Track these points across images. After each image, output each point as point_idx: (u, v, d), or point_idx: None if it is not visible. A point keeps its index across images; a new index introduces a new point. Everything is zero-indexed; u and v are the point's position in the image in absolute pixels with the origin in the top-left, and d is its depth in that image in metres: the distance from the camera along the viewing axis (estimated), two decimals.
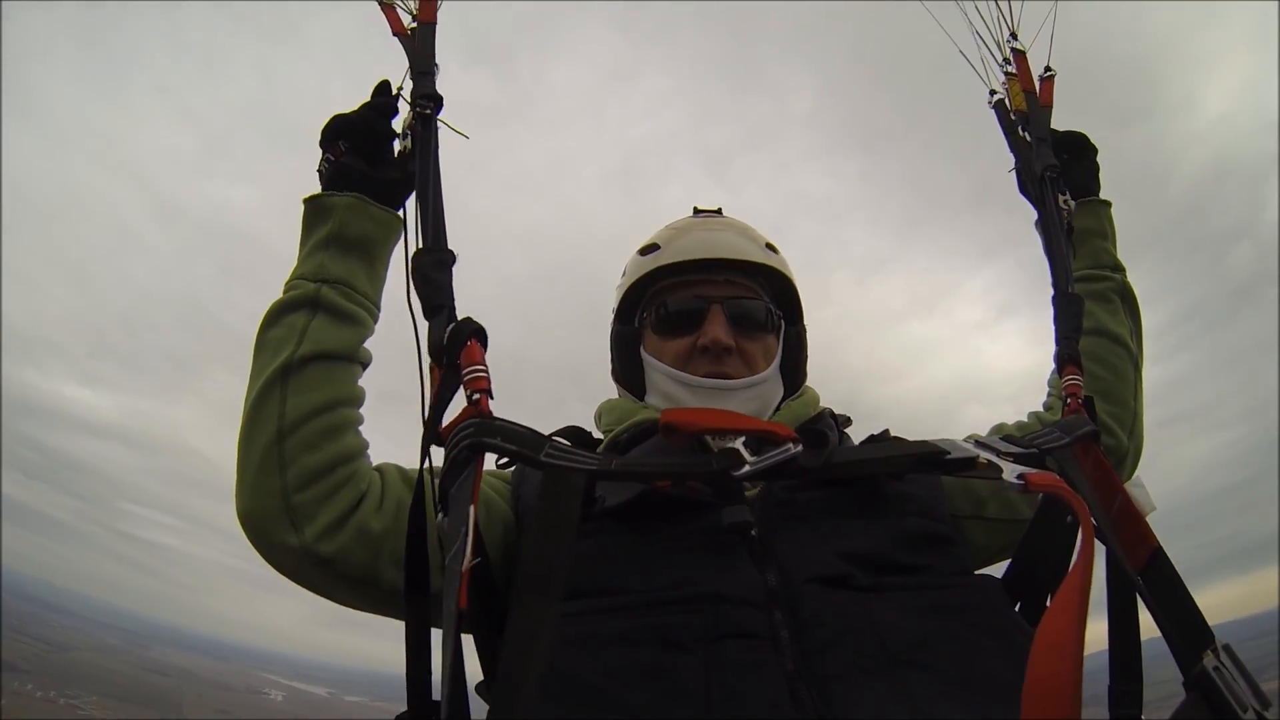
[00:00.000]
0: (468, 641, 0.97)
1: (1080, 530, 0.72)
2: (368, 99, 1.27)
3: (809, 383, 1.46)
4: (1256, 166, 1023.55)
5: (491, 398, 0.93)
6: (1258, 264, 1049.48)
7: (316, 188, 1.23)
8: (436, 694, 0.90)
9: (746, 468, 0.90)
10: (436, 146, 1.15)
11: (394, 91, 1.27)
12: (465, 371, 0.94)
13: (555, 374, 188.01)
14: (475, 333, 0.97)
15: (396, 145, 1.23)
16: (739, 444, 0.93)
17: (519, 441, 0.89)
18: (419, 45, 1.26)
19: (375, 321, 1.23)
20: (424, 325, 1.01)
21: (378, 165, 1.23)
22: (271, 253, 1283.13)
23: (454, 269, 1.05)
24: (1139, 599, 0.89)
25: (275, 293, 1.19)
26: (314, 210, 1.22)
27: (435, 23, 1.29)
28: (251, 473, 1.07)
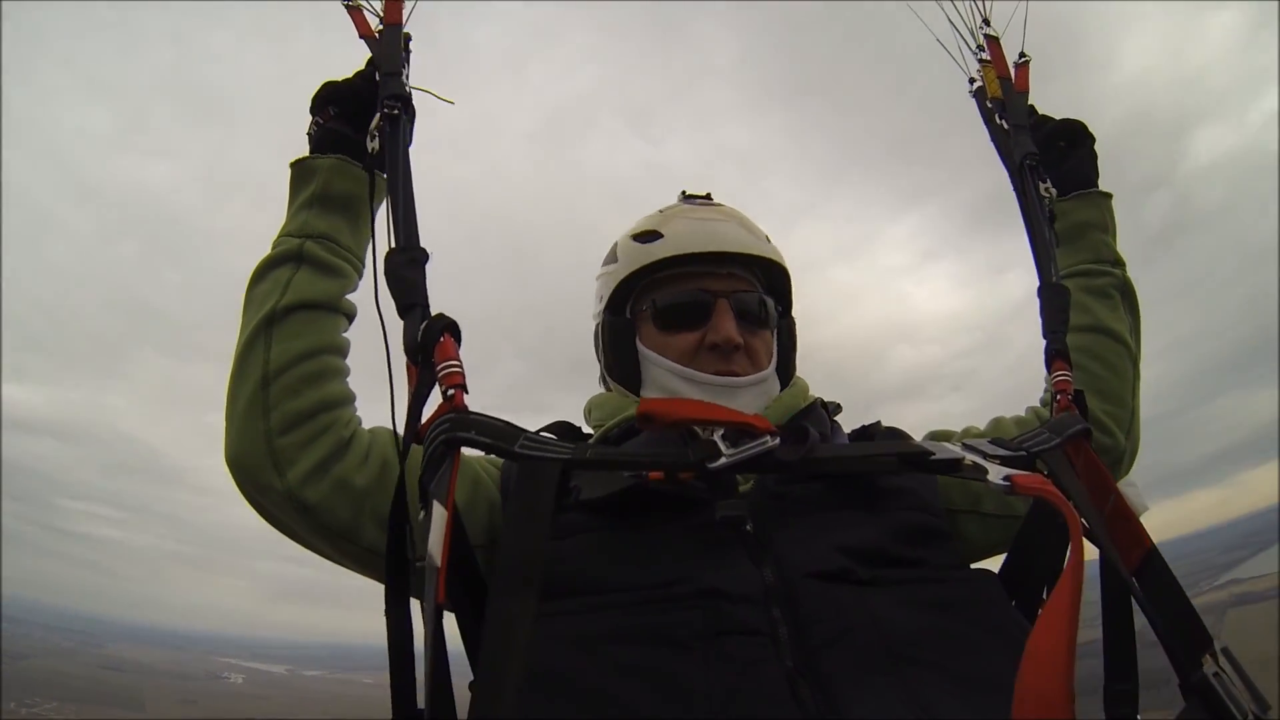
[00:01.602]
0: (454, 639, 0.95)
1: (1070, 536, 0.70)
2: (360, 68, 1.28)
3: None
4: (1171, 120, 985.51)
5: (466, 392, 0.93)
6: (1171, 213, 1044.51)
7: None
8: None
9: (723, 459, 0.90)
10: (406, 146, 1.16)
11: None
12: (440, 367, 0.94)
13: (486, 327, 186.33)
14: (448, 327, 0.97)
15: (368, 142, 1.22)
16: (717, 436, 0.92)
17: (493, 434, 0.90)
18: (386, 47, 1.26)
19: (359, 275, 1.25)
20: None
21: (364, 131, 1.24)
22: (195, 229, 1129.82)
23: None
24: (1133, 600, 0.89)
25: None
26: (300, 172, 1.25)
27: (402, 24, 1.30)
28: (238, 418, 1.08)
